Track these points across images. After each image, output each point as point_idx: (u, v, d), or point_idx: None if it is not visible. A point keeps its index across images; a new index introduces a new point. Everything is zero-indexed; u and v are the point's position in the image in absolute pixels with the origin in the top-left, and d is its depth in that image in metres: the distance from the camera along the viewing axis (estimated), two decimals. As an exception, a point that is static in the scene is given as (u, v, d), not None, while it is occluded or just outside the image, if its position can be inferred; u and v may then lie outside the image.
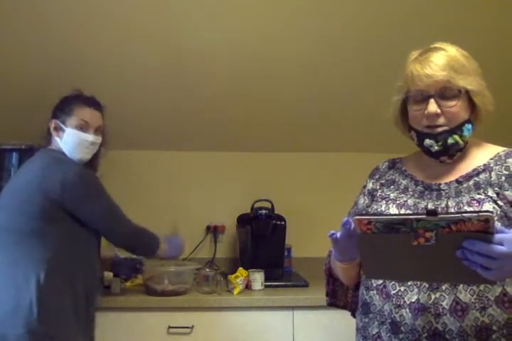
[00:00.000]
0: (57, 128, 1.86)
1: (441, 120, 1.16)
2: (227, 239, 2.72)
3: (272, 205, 2.52)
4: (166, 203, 2.68)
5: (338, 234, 1.06)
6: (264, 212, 2.47)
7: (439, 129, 1.17)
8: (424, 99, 1.17)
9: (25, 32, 2.16)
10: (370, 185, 1.33)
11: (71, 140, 1.83)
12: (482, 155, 1.21)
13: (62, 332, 1.66)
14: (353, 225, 0.99)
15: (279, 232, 2.44)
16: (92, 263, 1.82)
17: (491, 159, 1.19)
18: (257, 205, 2.55)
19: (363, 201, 1.33)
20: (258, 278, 2.27)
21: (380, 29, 2.20)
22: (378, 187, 1.30)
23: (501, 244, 0.88)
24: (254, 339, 2.10)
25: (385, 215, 0.98)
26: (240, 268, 2.27)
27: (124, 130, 2.09)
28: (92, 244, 1.82)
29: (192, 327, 2.08)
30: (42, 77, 2.31)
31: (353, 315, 1.33)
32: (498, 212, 1.10)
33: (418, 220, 0.89)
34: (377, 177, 1.34)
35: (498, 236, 0.89)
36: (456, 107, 1.16)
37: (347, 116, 2.54)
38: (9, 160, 2.34)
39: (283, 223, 2.48)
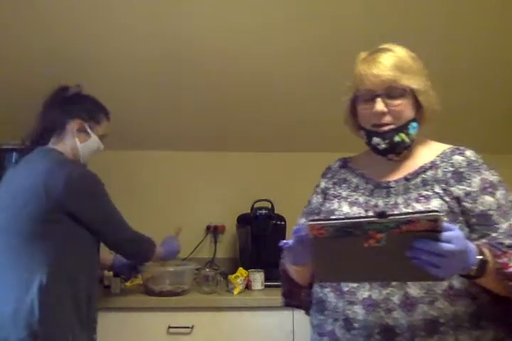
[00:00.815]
0: (82, 131, 1.85)
1: (388, 118, 1.20)
2: (227, 239, 2.72)
3: (272, 205, 2.52)
4: (165, 203, 2.68)
5: (291, 242, 1.08)
6: (264, 212, 2.47)
7: (386, 128, 1.20)
8: (371, 98, 1.20)
9: (25, 31, 2.16)
10: (322, 184, 1.37)
11: (92, 146, 1.88)
12: (429, 152, 1.25)
13: (63, 334, 1.65)
14: (305, 231, 1.00)
15: (279, 232, 2.44)
16: (92, 265, 1.81)
17: (438, 156, 1.23)
18: (257, 205, 2.55)
19: (316, 200, 1.36)
20: (258, 278, 2.27)
21: (384, 30, 2.21)
22: (331, 186, 1.34)
23: (450, 242, 0.91)
24: (254, 339, 2.09)
25: (337, 219, 1.00)
26: (240, 268, 2.27)
27: (124, 130, 2.09)
28: (92, 246, 1.80)
29: (192, 327, 2.08)
30: (42, 77, 2.30)
31: (307, 313, 1.35)
32: (445, 208, 1.13)
33: (369, 223, 0.91)
34: (329, 176, 1.37)
35: (446, 235, 0.91)
36: (402, 106, 1.20)
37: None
38: (9, 160, 2.34)
39: (283, 223, 2.48)
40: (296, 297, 1.38)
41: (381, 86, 1.18)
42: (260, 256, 2.44)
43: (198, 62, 2.31)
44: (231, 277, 2.23)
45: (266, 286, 2.28)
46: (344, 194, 1.28)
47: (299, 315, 2.09)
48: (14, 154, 2.35)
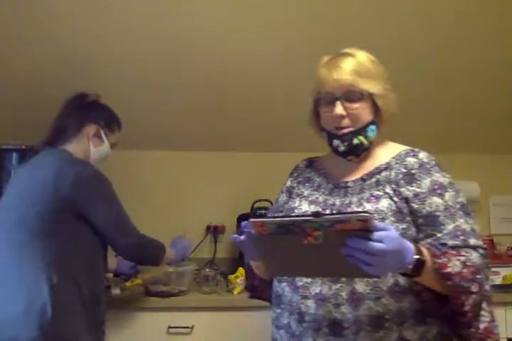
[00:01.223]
0: (97, 136, 1.91)
1: (347, 121, 1.24)
2: (227, 239, 2.71)
3: (272, 205, 2.51)
4: (165, 203, 2.68)
5: (242, 237, 1.12)
6: (264, 212, 2.47)
7: (345, 130, 1.25)
8: (331, 101, 1.24)
9: (26, 31, 2.16)
10: (288, 183, 1.43)
11: (103, 152, 1.94)
12: (385, 154, 1.29)
13: (73, 334, 1.65)
14: (250, 228, 1.05)
15: (279, 232, 2.44)
16: (99, 267, 1.80)
17: (393, 158, 1.26)
18: (257, 205, 2.55)
19: (281, 198, 1.41)
20: (258, 278, 2.27)
21: (385, 30, 2.21)
22: (295, 185, 1.39)
23: (381, 242, 0.94)
24: (254, 339, 2.09)
25: (277, 217, 1.04)
26: (240, 268, 2.27)
27: (125, 130, 2.08)
28: (99, 248, 1.80)
29: (192, 327, 2.08)
30: (43, 77, 2.31)
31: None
32: (393, 208, 1.17)
33: (306, 221, 0.95)
34: (295, 175, 1.43)
35: (377, 234, 0.94)
36: (360, 109, 1.23)
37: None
38: (9, 160, 2.34)
39: (283, 223, 2.47)
40: (260, 290, 1.43)
41: (340, 90, 1.22)
42: (260, 256, 2.44)
43: (198, 63, 2.31)
44: (231, 277, 2.23)
45: (266, 286, 2.28)
46: (306, 193, 1.33)
47: (299, 315, 2.11)
48: (14, 154, 2.35)
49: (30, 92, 2.36)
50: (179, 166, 2.74)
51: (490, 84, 2.49)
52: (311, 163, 1.43)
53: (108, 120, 1.95)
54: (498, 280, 2.26)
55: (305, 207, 1.28)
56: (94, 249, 1.78)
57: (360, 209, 1.18)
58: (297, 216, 1.00)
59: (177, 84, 2.40)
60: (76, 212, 1.70)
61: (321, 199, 1.28)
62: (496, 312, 2.36)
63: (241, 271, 2.25)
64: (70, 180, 1.69)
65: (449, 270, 1.07)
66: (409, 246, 1.03)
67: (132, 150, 2.63)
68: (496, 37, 2.27)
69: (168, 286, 2.13)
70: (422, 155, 1.25)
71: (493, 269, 2.27)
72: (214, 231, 2.70)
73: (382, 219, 1.15)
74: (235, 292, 2.19)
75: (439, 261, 1.08)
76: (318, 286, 1.18)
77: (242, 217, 2.56)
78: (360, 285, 1.14)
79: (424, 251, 1.07)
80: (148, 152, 2.70)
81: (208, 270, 2.33)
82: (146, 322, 2.07)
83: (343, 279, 1.16)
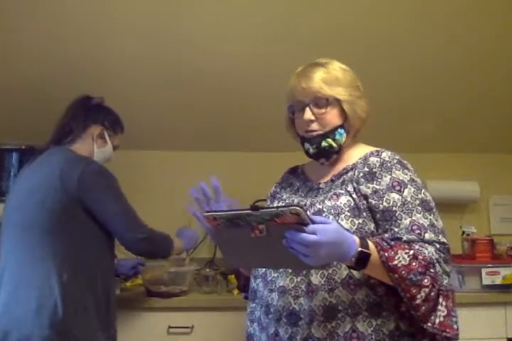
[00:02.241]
0: (101, 137, 1.93)
1: (315, 126, 1.32)
2: (227, 239, 2.71)
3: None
4: (165, 203, 2.68)
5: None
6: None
7: (314, 133, 1.33)
8: (302, 107, 1.32)
9: (26, 32, 2.16)
10: (273, 189, 1.53)
11: (106, 154, 1.96)
12: (354, 155, 1.36)
13: (85, 332, 1.66)
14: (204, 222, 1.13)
15: (279, 232, 2.44)
16: (108, 264, 1.81)
17: (360, 158, 1.33)
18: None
19: (266, 204, 1.51)
20: (258, 278, 2.27)
21: (385, 31, 2.21)
22: (278, 190, 1.49)
23: (314, 233, 1.00)
24: (254, 339, 2.10)
25: (224, 211, 1.09)
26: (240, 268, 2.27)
27: (125, 130, 2.10)
28: (108, 245, 1.81)
29: (192, 327, 2.08)
30: (43, 78, 2.31)
31: None
32: (351, 204, 1.24)
33: (249, 215, 1.02)
34: (280, 181, 1.54)
35: (311, 227, 1.00)
36: (327, 114, 1.31)
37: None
38: (9, 160, 2.35)
39: (283, 223, 2.48)
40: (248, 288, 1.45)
41: (308, 97, 1.31)
42: (260, 256, 2.44)
43: (199, 63, 2.31)
44: (231, 277, 2.23)
45: (266, 286, 2.28)
46: (285, 196, 1.42)
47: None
48: (14, 154, 2.35)
49: (30, 93, 2.36)
50: (179, 166, 2.74)
51: (490, 84, 2.49)
52: (294, 170, 1.53)
53: (112, 122, 1.97)
54: (498, 280, 2.26)
55: None
56: (103, 247, 1.78)
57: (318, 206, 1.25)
58: (241, 209, 1.05)
59: (177, 84, 2.40)
60: (84, 208, 1.71)
61: (296, 201, 1.35)
62: (496, 312, 2.37)
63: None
64: (77, 176, 1.70)
65: (395, 262, 1.11)
66: (353, 239, 1.08)
67: (132, 150, 2.63)
68: (495, 36, 2.27)
69: (169, 286, 2.13)
70: (385, 154, 1.30)
71: (493, 269, 2.27)
72: (214, 231, 2.69)
73: (338, 215, 1.21)
74: (235, 292, 2.19)
75: (386, 254, 1.11)
76: (282, 280, 1.25)
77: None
78: (316, 277, 1.20)
79: (370, 244, 1.12)
80: (148, 152, 2.70)
81: (208, 270, 2.33)
82: (146, 322, 2.07)
83: (304, 272, 1.22)
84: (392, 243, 1.14)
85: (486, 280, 2.25)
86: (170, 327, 2.07)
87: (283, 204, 1.30)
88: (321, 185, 1.35)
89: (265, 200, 2.52)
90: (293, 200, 1.37)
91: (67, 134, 1.88)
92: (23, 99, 2.38)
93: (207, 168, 2.75)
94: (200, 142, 2.71)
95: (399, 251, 1.12)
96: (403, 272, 1.11)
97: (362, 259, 1.09)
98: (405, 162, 1.30)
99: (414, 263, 1.11)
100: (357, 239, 1.10)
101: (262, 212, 1.00)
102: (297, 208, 0.98)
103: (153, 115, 2.54)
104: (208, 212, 1.07)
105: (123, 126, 2.02)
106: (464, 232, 2.55)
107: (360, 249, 1.08)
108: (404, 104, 2.49)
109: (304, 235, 0.99)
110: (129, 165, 2.66)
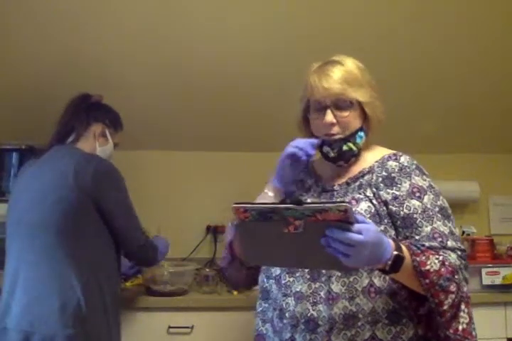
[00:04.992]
0: (102, 135, 1.94)
1: (336, 129, 1.28)
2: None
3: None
4: (165, 203, 2.68)
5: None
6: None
7: (335, 137, 1.29)
8: (321, 108, 1.28)
9: (26, 32, 2.16)
10: None
11: (107, 152, 1.96)
12: (370, 158, 1.33)
13: (105, 331, 1.68)
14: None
15: (279, 232, 2.44)
16: (118, 261, 1.83)
17: (376, 162, 1.31)
18: (257, 205, 2.54)
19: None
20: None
21: (385, 30, 2.21)
22: None
23: (360, 233, 0.96)
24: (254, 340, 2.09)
25: (259, 203, 1.05)
26: (240, 268, 2.27)
27: (124, 130, 2.10)
28: (116, 247, 1.82)
29: (192, 327, 2.08)
30: (43, 78, 2.31)
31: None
32: (372, 210, 1.21)
33: (287, 209, 0.95)
34: None
35: (357, 226, 0.96)
36: (349, 117, 1.28)
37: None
38: (9, 160, 2.35)
39: (283, 223, 2.47)
40: (233, 271, 1.43)
41: (330, 98, 1.26)
42: (260, 256, 2.44)
43: (199, 63, 2.31)
44: (231, 277, 2.23)
45: (266, 286, 2.28)
46: (297, 192, 1.37)
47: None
48: (14, 154, 2.35)
49: (30, 92, 2.36)
50: (179, 166, 2.74)
51: (490, 84, 2.49)
52: (306, 166, 1.47)
53: (112, 120, 1.98)
54: (498, 280, 2.26)
55: None
56: (112, 247, 1.79)
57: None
58: (279, 203, 1.02)
59: (177, 84, 2.40)
60: (97, 207, 1.72)
61: (309, 201, 1.31)
62: (496, 312, 2.38)
63: (241, 271, 2.25)
64: (91, 174, 1.71)
65: (427, 268, 1.09)
66: (389, 242, 1.05)
67: (132, 150, 2.63)
68: (495, 36, 2.27)
69: (169, 286, 2.13)
70: (403, 159, 1.28)
71: (493, 269, 2.27)
72: (214, 231, 2.69)
73: None
74: (235, 292, 2.19)
75: (418, 258, 1.10)
76: (299, 285, 1.22)
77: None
78: (336, 285, 1.18)
79: (404, 248, 1.09)
80: (148, 152, 2.70)
81: (207, 270, 2.33)
82: (146, 322, 2.07)
83: (322, 278, 1.19)
84: (422, 248, 1.13)
85: (486, 280, 2.25)
86: (170, 327, 2.07)
87: (331, 201, 1.23)
88: (335, 187, 1.32)
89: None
90: (305, 199, 1.32)
91: (69, 133, 1.89)
92: (23, 99, 2.38)
93: (207, 168, 2.77)
94: (200, 142, 2.70)
95: (430, 256, 1.11)
96: (434, 277, 1.09)
97: (395, 263, 1.05)
98: (422, 167, 1.29)
99: (443, 269, 1.11)
100: (392, 242, 1.07)
101: (305, 207, 0.94)
102: (347, 205, 0.93)
103: (153, 115, 2.54)
104: (237, 203, 1.00)
105: (122, 124, 2.03)
106: (464, 232, 2.55)
107: (396, 252, 1.05)
108: (404, 104, 2.49)
109: (351, 234, 0.95)
110: (129, 165, 2.65)
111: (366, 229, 0.97)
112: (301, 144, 1.30)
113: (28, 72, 2.30)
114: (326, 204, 0.94)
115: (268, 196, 1.34)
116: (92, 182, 1.70)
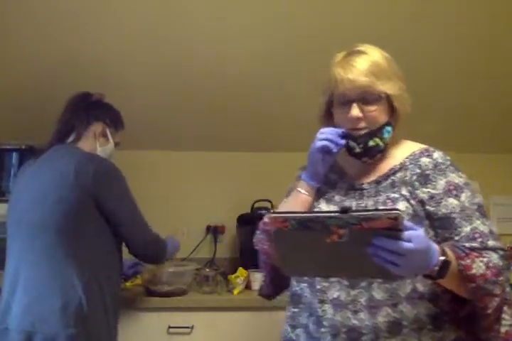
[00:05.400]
0: (103, 135, 1.93)
1: (363, 124, 1.20)
2: (227, 239, 2.72)
3: (272, 205, 2.52)
4: (165, 203, 2.68)
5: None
6: (264, 212, 2.47)
7: (361, 132, 1.20)
8: (346, 102, 1.20)
9: (26, 32, 2.16)
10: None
11: (108, 151, 1.95)
12: (399, 153, 1.25)
13: (105, 331, 1.69)
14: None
15: (279, 232, 2.44)
16: (118, 264, 1.83)
17: (407, 158, 1.23)
18: (257, 205, 2.55)
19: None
20: (258, 278, 2.27)
21: (385, 29, 2.21)
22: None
23: (410, 241, 0.90)
24: (254, 339, 2.09)
25: (299, 212, 1.00)
26: (240, 268, 2.27)
27: (124, 130, 2.10)
28: (117, 243, 1.82)
29: (192, 327, 2.08)
30: (43, 77, 2.31)
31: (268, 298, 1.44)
32: (410, 211, 1.14)
33: (330, 217, 0.90)
34: None
35: (406, 234, 0.91)
36: (377, 111, 1.20)
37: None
38: (9, 160, 2.34)
39: (283, 223, 2.47)
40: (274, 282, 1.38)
41: (356, 91, 1.18)
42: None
43: (198, 63, 2.31)
44: (231, 277, 2.23)
45: (266, 286, 2.28)
46: (323, 188, 1.27)
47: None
48: (14, 154, 2.35)
49: (30, 93, 2.36)
50: (179, 166, 2.74)
51: (490, 84, 2.49)
52: None
53: (113, 119, 1.97)
54: (498, 280, 2.26)
55: (323, 206, 1.24)
56: (113, 246, 1.80)
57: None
58: (322, 212, 0.96)
59: (177, 84, 2.40)
60: (98, 206, 1.72)
61: (337, 198, 1.24)
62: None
63: (241, 271, 2.25)
64: (92, 174, 1.71)
65: (473, 272, 1.05)
66: (435, 247, 1.00)
67: (132, 150, 2.63)
68: (495, 36, 2.27)
69: (168, 286, 2.13)
70: (437, 154, 1.22)
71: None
72: (214, 231, 2.70)
73: None
74: (235, 292, 2.19)
75: (463, 262, 1.05)
76: (336, 291, 1.15)
77: (242, 217, 2.56)
78: (378, 292, 1.12)
79: (449, 252, 1.04)
80: (147, 152, 2.70)
81: (207, 270, 2.33)
82: (146, 322, 2.07)
83: (362, 284, 1.13)
84: (467, 250, 1.07)
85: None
86: (170, 327, 2.07)
87: (378, 208, 1.13)
88: (364, 186, 1.23)
89: (265, 200, 2.55)
90: (333, 196, 1.25)
91: (70, 132, 1.88)
92: (23, 99, 2.38)
93: (207, 168, 2.77)
94: (200, 142, 2.70)
95: (475, 259, 1.06)
96: (480, 281, 1.05)
97: (442, 269, 1.00)
98: (454, 163, 1.22)
99: (488, 272, 1.06)
100: (437, 247, 1.00)
101: (351, 216, 0.88)
102: (398, 213, 0.88)
103: (153, 115, 2.54)
104: (275, 212, 0.96)
105: (123, 123, 2.02)
106: (464, 232, 2.55)
107: (443, 257, 1.00)
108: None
109: (401, 243, 0.90)
110: (129, 165, 2.65)
111: (416, 236, 0.92)
112: (330, 135, 1.20)
113: (28, 72, 2.30)
114: (375, 213, 0.89)
115: (301, 195, 1.25)
116: (93, 181, 1.70)
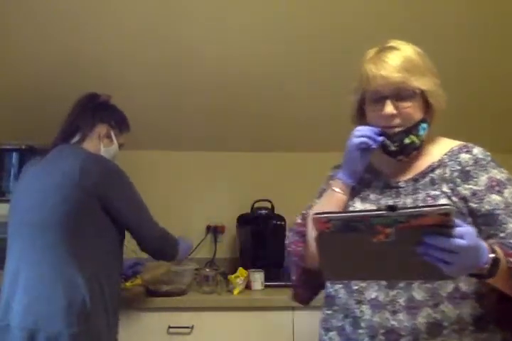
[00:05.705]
0: (107, 136, 1.93)
1: (397, 121, 1.17)
2: (227, 239, 2.72)
3: (272, 205, 2.52)
4: (165, 203, 2.68)
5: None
6: (264, 212, 2.47)
7: (396, 129, 1.18)
8: (379, 99, 1.17)
9: (26, 32, 2.16)
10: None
11: (111, 153, 1.95)
12: (437, 150, 1.23)
13: (106, 329, 1.69)
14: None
15: (279, 232, 2.44)
16: (119, 264, 1.84)
17: (445, 154, 1.20)
18: (257, 205, 2.54)
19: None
20: (258, 278, 2.27)
21: (386, 28, 2.20)
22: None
23: (462, 238, 0.88)
24: (254, 340, 2.09)
25: (343, 212, 0.97)
26: (240, 268, 2.27)
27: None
28: (120, 243, 1.83)
29: (192, 327, 2.08)
30: (43, 77, 2.31)
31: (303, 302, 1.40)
32: None
33: (376, 216, 0.87)
34: None
35: (458, 230, 0.88)
36: (412, 108, 1.17)
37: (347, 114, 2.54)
38: (9, 160, 2.34)
39: (283, 223, 2.48)
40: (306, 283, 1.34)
41: (389, 88, 1.15)
42: (260, 256, 2.44)
43: (198, 64, 2.31)
44: (231, 277, 2.23)
45: (266, 286, 2.28)
46: (357, 188, 1.24)
47: (299, 315, 2.10)
48: (14, 154, 2.35)
49: (30, 92, 2.36)
50: (179, 166, 2.74)
51: (491, 84, 2.49)
52: None
53: (118, 121, 1.97)
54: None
55: (358, 205, 1.22)
56: (116, 246, 1.80)
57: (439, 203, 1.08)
58: (367, 211, 0.93)
59: (177, 84, 2.40)
60: (103, 206, 1.72)
61: (372, 197, 1.22)
62: None
63: (241, 271, 2.25)
64: (97, 174, 1.71)
65: None
66: (484, 244, 0.96)
67: (132, 150, 2.62)
68: (495, 36, 2.27)
69: (168, 286, 2.13)
70: (477, 150, 1.19)
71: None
72: (214, 231, 2.69)
73: None
74: (235, 292, 2.19)
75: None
76: (374, 291, 1.12)
77: (242, 217, 2.56)
78: (418, 292, 1.09)
79: (498, 249, 1.01)
80: (147, 152, 2.70)
81: (207, 270, 2.33)
82: (146, 322, 2.07)
83: (400, 285, 1.10)
84: None
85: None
86: (170, 327, 2.07)
87: (428, 204, 1.09)
88: (400, 184, 1.20)
89: (265, 200, 2.55)
90: (368, 195, 1.22)
91: (74, 132, 1.88)
92: (23, 99, 2.38)
93: (207, 168, 2.77)
94: (200, 142, 2.70)
95: None
96: None
97: (493, 266, 0.96)
98: (495, 159, 1.19)
99: None
100: (486, 244, 0.97)
101: (400, 213, 0.85)
102: (449, 208, 0.84)
103: (153, 115, 2.54)
104: (317, 213, 0.91)
105: (128, 125, 2.02)
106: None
107: (493, 255, 0.96)
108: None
109: (453, 240, 0.86)
110: (129, 165, 2.65)
111: (467, 233, 0.88)
112: (368, 132, 1.17)
113: (28, 72, 2.30)
114: (426, 209, 0.85)
115: (336, 194, 1.22)
116: (98, 182, 1.71)
